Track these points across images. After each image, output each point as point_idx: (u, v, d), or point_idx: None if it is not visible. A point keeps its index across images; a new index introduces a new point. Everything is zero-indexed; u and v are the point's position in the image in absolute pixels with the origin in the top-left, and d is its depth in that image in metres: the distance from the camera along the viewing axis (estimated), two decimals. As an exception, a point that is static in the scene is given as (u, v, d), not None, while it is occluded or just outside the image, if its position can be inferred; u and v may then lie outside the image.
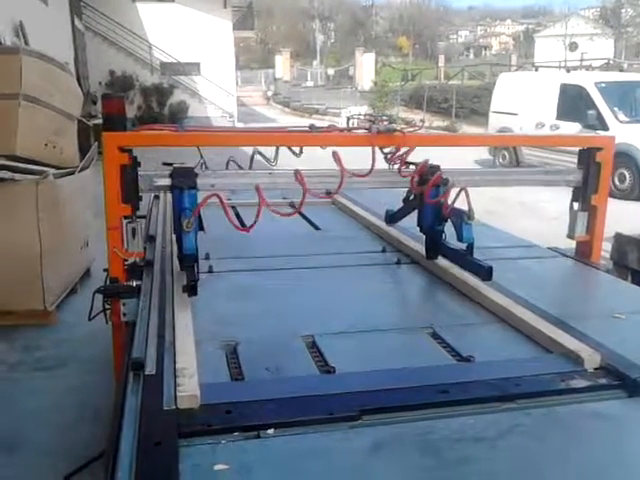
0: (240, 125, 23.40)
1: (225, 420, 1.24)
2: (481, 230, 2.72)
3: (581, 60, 26.12)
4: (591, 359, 1.55)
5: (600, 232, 2.65)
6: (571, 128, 10.89)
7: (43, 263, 4.44)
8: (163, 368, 1.43)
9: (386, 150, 2.38)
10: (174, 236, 2.33)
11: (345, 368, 1.49)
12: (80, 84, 16.32)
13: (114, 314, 2.24)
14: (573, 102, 11.06)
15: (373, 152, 2.29)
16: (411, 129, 2.46)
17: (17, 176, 4.39)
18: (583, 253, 2.69)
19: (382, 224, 3.00)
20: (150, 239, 2.82)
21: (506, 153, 12.66)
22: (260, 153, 2.41)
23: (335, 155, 2.25)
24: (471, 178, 2.64)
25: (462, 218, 2.18)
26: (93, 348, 4.06)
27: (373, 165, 2.29)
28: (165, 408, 1.27)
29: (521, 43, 66.23)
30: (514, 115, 12.37)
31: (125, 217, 2.23)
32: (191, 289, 1.91)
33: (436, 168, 2.40)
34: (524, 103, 12.19)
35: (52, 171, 4.69)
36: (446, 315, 1.94)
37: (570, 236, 2.68)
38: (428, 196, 2.34)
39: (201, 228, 2.73)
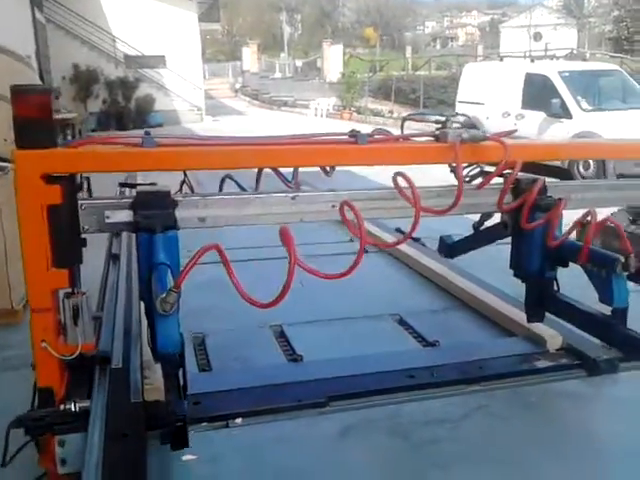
0: (208, 118, 23.21)
1: (193, 411, 1.24)
2: None
3: (545, 50, 26.47)
4: (553, 341, 1.59)
5: None
6: (536, 117, 11.05)
7: (8, 260, 4.35)
8: (129, 362, 1.42)
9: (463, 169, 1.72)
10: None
11: (313, 356, 1.51)
12: (42, 79, 16.00)
13: (46, 459, 1.40)
14: (538, 91, 11.21)
15: (459, 174, 1.63)
16: (509, 137, 1.81)
17: (-23, 172, 4.29)
18: None
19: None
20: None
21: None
22: (231, 178, 1.82)
23: (396, 179, 1.62)
24: (600, 195, 1.83)
25: (611, 266, 1.49)
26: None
27: (460, 196, 1.62)
28: (132, 400, 1.26)
29: (487, 34, 66.85)
30: (480, 105, 12.49)
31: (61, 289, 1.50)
32: (177, 436, 1.20)
33: (535, 178, 1.75)
34: (490, 93, 12.32)
35: (12, 166, 4.59)
36: (413, 302, 1.96)
37: None
38: (526, 222, 1.66)
39: None
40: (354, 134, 1.68)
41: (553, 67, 11.79)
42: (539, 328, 1.62)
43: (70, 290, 1.48)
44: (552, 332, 1.60)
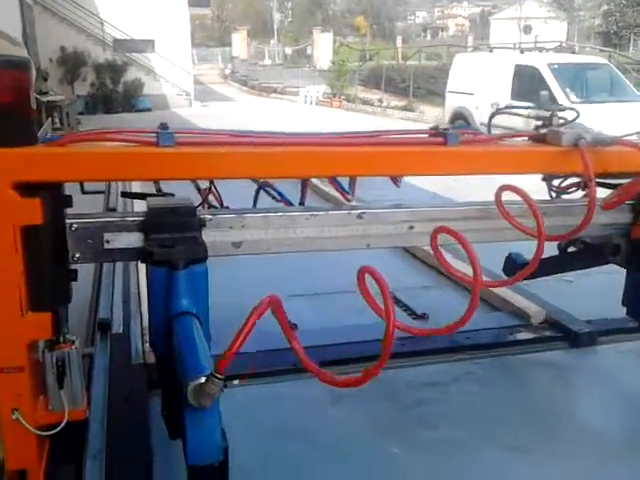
0: (197, 104, 23.08)
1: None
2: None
3: (535, 42, 26.57)
4: (537, 315, 1.65)
5: None
6: (524, 108, 11.14)
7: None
8: (130, 327, 1.47)
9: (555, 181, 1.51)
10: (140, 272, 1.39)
11: (308, 326, 1.56)
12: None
13: None
14: (527, 83, 11.29)
15: (592, 189, 1.25)
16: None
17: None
18: None
19: None
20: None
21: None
22: (270, 188, 1.45)
23: (500, 194, 1.30)
24: None
25: None
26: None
27: (590, 217, 1.27)
28: (134, 363, 1.31)
29: (477, 25, 66.86)
30: (470, 95, 12.56)
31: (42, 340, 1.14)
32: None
33: None
34: (479, 83, 12.39)
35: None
36: (406, 279, 2.02)
37: None
38: None
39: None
40: (440, 132, 1.28)
41: (542, 59, 11.87)
42: (523, 303, 1.68)
43: (54, 339, 1.11)
44: (536, 307, 1.67)
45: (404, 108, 21.83)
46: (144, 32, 21.87)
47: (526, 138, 1.45)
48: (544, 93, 10.71)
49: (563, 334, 1.58)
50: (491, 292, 1.79)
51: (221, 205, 1.49)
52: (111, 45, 22.04)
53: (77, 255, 1.14)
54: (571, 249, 1.61)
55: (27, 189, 1.03)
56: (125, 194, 1.29)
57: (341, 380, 1.10)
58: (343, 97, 24.06)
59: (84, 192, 1.49)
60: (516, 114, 1.77)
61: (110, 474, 1.08)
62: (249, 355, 1.38)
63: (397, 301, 1.80)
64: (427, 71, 25.68)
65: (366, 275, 1.20)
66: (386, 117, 20.18)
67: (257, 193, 1.47)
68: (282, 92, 28.29)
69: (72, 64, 20.67)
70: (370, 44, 45.98)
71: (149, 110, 20.42)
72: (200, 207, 1.35)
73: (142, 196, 1.30)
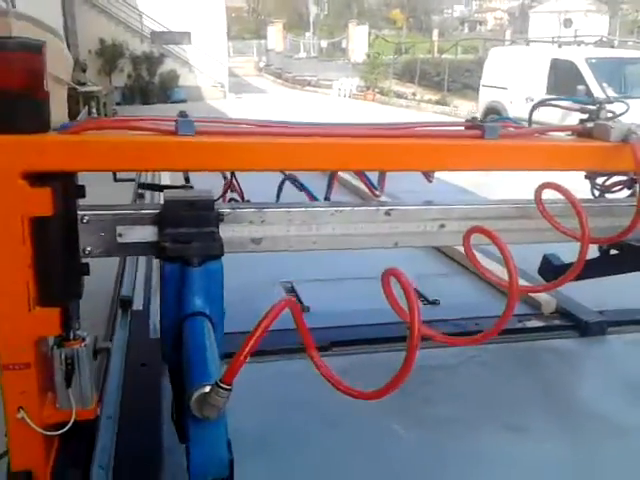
0: (231, 96, 23.28)
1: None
2: None
3: (575, 36, 26.06)
4: (547, 304, 1.67)
5: None
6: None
7: None
8: (149, 305, 1.53)
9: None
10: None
11: (320, 308, 1.61)
12: (69, 51, 16.16)
13: None
14: (563, 77, 11.10)
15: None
16: None
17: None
18: None
19: None
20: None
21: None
22: (295, 180, 1.40)
23: (541, 193, 1.24)
24: None
25: None
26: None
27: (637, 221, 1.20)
28: (152, 337, 1.38)
29: (516, 19, 65.77)
30: (504, 89, 12.42)
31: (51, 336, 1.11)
32: None
33: None
34: (514, 77, 12.23)
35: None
36: (419, 267, 2.05)
37: None
38: None
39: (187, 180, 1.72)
40: (477, 124, 1.21)
41: (580, 53, 11.66)
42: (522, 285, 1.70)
43: (63, 336, 1.08)
44: (547, 296, 1.68)
45: (438, 102, 21.66)
46: (181, 24, 22.14)
47: (570, 133, 1.36)
48: (580, 88, 10.52)
49: (573, 323, 1.60)
50: (503, 281, 1.81)
51: (242, 199, 1.46)
52: (149, 37, 22.37)
53: (89, 248, 1.11)
54: (613, 251, 1.54)
55: (37, 178, 1.00)
56: (142, 185, 1.20)
57: (359, 392, 1.03)
58: (377, 90, 23.98)
59: (116, 180, 1.51)
60: (559, 106, 1.64)
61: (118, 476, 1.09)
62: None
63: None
64: (463, 65, 25.41)
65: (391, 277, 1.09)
66: (420, 111, 20.07)
67: (281, 186, 1.43)
68: (316, 85, 28.33)
69: (110, 56, 21.05)
70: (406, 37, 45.65)
71: (184, 101, 20.68)
72: (220, 200, 1.33)
73: (159, 188, 1.23)
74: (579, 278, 1.43)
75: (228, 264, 2.00)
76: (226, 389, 0.89)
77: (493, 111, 12.78)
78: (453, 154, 1.20)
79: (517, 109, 11.99)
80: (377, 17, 62.93)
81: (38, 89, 1.00)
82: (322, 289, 1.78)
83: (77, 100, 10.98)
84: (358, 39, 35.91)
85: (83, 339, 1.10)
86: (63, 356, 1.07)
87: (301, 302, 1.65)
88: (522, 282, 1.72)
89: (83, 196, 1.12)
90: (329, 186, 1.39)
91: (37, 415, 1.06)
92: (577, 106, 1.47)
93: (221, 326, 1.13)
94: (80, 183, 1.11)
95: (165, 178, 2.58)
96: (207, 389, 0.89)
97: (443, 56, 27.66)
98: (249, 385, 1.23)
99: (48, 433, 1.07)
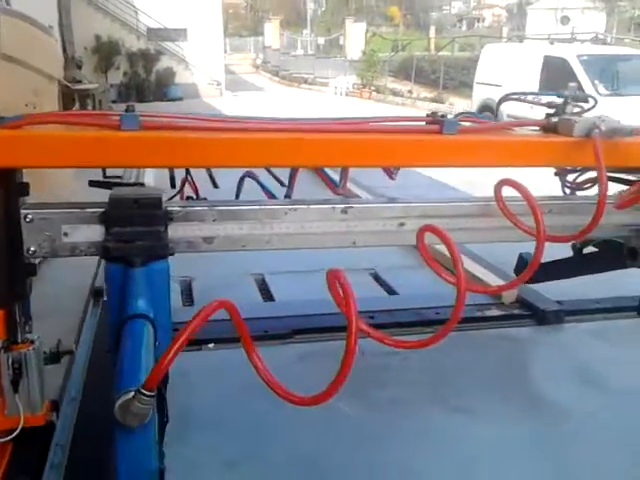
0: (228, 93, 23.29)
1: (172, 336, 1.40)
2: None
3: (572, 34, 26.10)
4: (508, 294, 1.72)
5: None
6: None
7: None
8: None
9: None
10: None
11: (286, 298, 1.66)
12: (65, 48, 16.16)
13: None
14: (555, 74, 11.15)
15: (603, 185, 1.16)
16: None
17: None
18: None
19: None
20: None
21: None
22: (253, 178, 1.39)
23: (500, 190, 1.22)
24: None
25: None
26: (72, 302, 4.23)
27: (599, 216, 1.17)
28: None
29: (514, 16, 65.72)
30: (498, 87, 12.45)
31: None
32: None
33: None
34: (508, 75, 12.27)
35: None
36: (388, 259, 2.11)
37: None
38: None
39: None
40: (437, 119, 1.17)
41: (572, 50, 11.70)
42: (497, 282, 1.75)
43: (10, 340, 1.05)
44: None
45: (434, 100, 21.68)
46: (177, 21, 22.14)
47: (536, 127, 1.34)
48: (572, 85, 10.55)
49: (531, 312, 1.65)
50: (467, 272, 1.87)
51: (197, 196, 1.40)
52: (145, 34, 22.37)
53: (33, 248, 1.05)
54: (590, 250, 1.51)
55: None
56: (93, 183, 1.26)
57: (299, 398, 1.04)
58: (373, 88, 23.99)
59: (92, 184, 1.38)
60: (526, 101, 1.64)
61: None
62: (223, 322, 1.49)
63: (378, 279, 1.88)
64: (459, 62, 25.41)
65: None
66: (415, 108, 20.09)
67: (240, 183, 1.40)
68: (312, 83, 28.35)
69: (106, 53, 21.05)
70: (403, 34, 45.63)
71: (180, 99, 20.70)
72: (173, 198, 1.29)
73: (108, 185, 1.20)
74: (554, 278, 1.52)
75: (202, 255, 2.05)
76: (149, 396, 0.84)
77: (487, 108, 12.82)
78: (408, 150, 1.15)
79: (510, 106, 12.05)
80: (375, 14, 62.89)
81: None
82: (292, 281, 1.83)
83: (72, 98, 11.00)
84: (355, 36, 35.90)
85: (32, 342, 1.06)
86: (10, 360, 1.03)
87: (270, 294, 1.70)
88: (499, 281, 1.75)
89: (27, 194, 1.07)
90: (290, 183, 1.35)
91: None
92: (544, 100, 1.46)
93: (167, 328, 1.08)
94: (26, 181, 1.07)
95: (149, 176, 2.59)
96: (130, 395, 0.84)
97: (440, 53, 27.67)
98: (215, 371, 1.29)
99: None
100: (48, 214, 1.05)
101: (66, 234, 1.05)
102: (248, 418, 1.12)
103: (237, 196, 1.37)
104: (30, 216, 1.04)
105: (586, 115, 1.38)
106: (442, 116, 1.21)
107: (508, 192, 1.19)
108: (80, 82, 13.96)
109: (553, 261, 1.51)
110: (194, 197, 1.39)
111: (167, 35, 22.55)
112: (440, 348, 1.43)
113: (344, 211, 1.17)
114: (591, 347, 1.49)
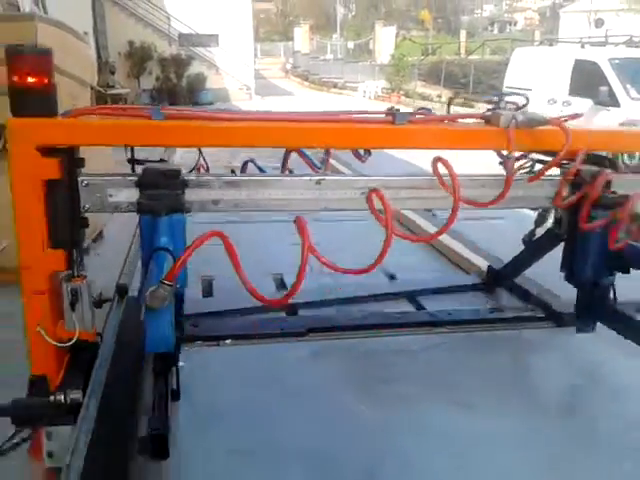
0: (257, 98, 23.49)
1: (191, 331, 1.47)
2: None
3: (606, 37, 25.67)
4: (476, 267, 1.75)
5: None
6: (583, 104, 10.86)
7: None
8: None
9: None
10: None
11: (302, 299, 1.71)
12: (99, 54, 16.54)
13: (34, 450, 1.44)
14: (586, 78, 11.00)
15: (510, 166, 1.53)
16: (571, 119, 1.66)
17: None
18: None
19: None
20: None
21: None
22: (254, 162, 1.80)
23: (436, 165, 1.54)
24: None
25: None
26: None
27: (508, 188, 1.51)
28: (142, 319, 1.49)
29: (547, 19, 64.89)
30: (527, 90, 12.34)
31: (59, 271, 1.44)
32: (159, 449, 1.12)
33: (598, 170, 1.56)
34: (537, 79, 12.15)
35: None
36: (406, 262, 2.14)
37: None
38: (585, 221, 1.47)
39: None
40: (392, 112, 1.52)
41: (603, 54, 11.53)
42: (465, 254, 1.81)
43: (69, 273, 1.43)
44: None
45: (463, 104, 21.56)
46: (209, 27, 22.41)
47: (477, 120, 1.66)
48: (603, 89, 10.43)
49: (547, 314, 1.66)
50: (477, 268, 1.90)
51: (207, 170, 1.83)
52: (176, 39, 22.70)
53: (87, 205, 1.47)
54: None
55: (48, 151, 1.36)
56: (130, 160, 1.68)
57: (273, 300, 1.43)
58: (402, 92, 23.95)
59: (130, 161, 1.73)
60: (474, 100, 2.06)
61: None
62: (242, 319, 1.55)
63: (394, 280, 1.92)
64: (490, 66, 25.20)
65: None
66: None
67: (243, 166, 1.80)
68: (342, 87, 28.41)
69: (139, 58, 21.41)
70: (434, 38, 45.43)
71: (210, 103, 20.95)
72: (191, 172, 1.67)
73: (141, 162, 1.63)
74: (517, 273, 1.87)
75: (224, 256, 2.11)
76: (169, 285, 1.28)
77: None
78: (367, 136, 1.54)
79: (539, 111, 11.91)
80: (405, 18, 62.69)
81: (48, 84, 1.35)
82: (309, 281, 1.88)
83: (105, 102, 11.27)
84: (385, 40, 35.89)
85: (85, 277, 1.46)
86: (69, 288, 1.42)
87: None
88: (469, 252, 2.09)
89: (83, 166, 1.48)
90: (283, 163, 1.74)
91: (51, 331, 1.42)
92: (485, 98, 2.19)
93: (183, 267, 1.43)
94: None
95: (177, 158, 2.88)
96: (156, 286, 1.28)
97: (470, 57, 27.49)
98: (232, 364, 1.34)
99: (59, 345, 1.42)
100: (99, 180, 1.47)
101: (111, 195, 1.48)
102: (261, 410, 1.17)
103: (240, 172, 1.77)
104: (85, 182, 1.45)
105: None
106: (396, 110, 1.57)
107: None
108: (113, 87, 14.29)
109: (515, 258, 1.87)
110: (206, 171, 1.82)
111: (198, 40, 22.84)
112: (449, 347, 1.47)
113: (318, 182, 1.56)
114: (605, 351, 1.50)
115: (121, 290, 1.68)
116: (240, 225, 2.52)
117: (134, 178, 1.47)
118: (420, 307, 1.74)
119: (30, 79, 1.30)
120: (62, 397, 1.35)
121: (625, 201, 1.42)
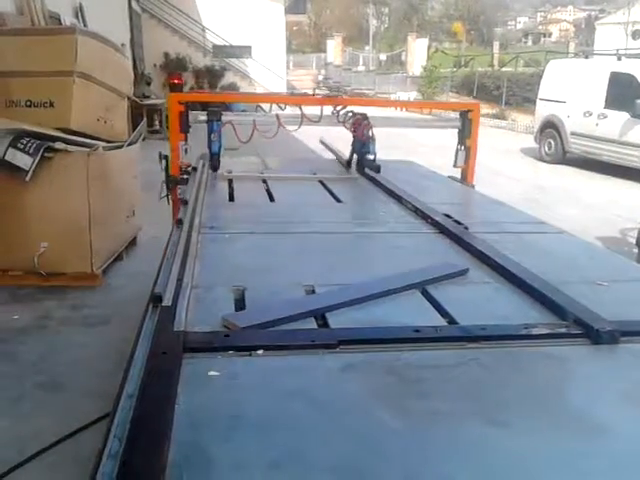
0: (289, 109, 23.65)
1: (223, 342, 1.47)
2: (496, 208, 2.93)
3: (642, 49, 25.23)
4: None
5: (472, 163, 4.23)
6: (619, 117, 10.69)
7: (91, 229, 4.79)
8: (177, 301, 1.67)
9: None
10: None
11: (337, 311, 1.70)
12: (135, 65, 16.87)
13: (173, 195, 3.77)
14: (623, 91, 10.82)
15: (321, 109, 4.17)
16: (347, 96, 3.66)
17: (70, 148, 4.74)
18: (463, 176, 4.25)
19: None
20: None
21: (552, 142, 12.56)
22: (260, 107, 4.62)
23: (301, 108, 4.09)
24: (386, 122, 4.55)
25: (369, 140, 3.82)
26: (134, 308, 4.38)
27: (321, 115, 4.16)
28: (175, 330, 1.50)
29: (582, 30, 64.19)
30: (562, 103, 12.20)
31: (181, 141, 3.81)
32: (214, 168, 3.71)
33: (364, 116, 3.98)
34: (572, 91, 12.01)
35: (102, 144, 5.03)
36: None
37: (455, 165, 4.24)
38: (355, 132, 3.96)
39: (231, 199, 3.22)
40: (291, 93, 3.36)
41: (641, 66, 11.35)
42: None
43: (184, 142, 3.80)
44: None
45: (495, 116, 21.41)
46: (242, 38, 22.76)
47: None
48: (639, 102, 10.25)
49: (585, 331, 1.62)
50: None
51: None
52: (211, 51, 23.08)
53: (191, 121, 3.89)
54: None
55: (180, 103, 3.77)
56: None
57: None
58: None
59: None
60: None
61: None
62: (273, 330, 1.55)
63: (431, 299, 1.90)
64: (523, 78, 25.02)
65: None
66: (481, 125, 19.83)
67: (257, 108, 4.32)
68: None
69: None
70: (467, 50, 45.30)
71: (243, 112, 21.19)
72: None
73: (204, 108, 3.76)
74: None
75: (257, 267, 2.12)
76: (216, 134, 3.80)
77: (549, 125, 12.58)
78: (283, 99, 4.72)
79: (575, 123, 11.78)
80: (438, 30, 62.71)
81: (180, 82, 5.45)
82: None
83: (141, 112, 11.49)
84: (417, 52, 35.91)
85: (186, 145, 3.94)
86: (184, 147, 3.88)
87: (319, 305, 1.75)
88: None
89: (192, 109, 3.88)
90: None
91: (175, 161, 3.85)
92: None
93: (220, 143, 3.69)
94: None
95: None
96: (213, 134, 3.79)
97: (503, 69, 27.31)
98: (262, 377, 1.34)
99: (182, 165, 3.80)
100: (194, 113, 3.96)
101: (198, 118, 3.89)
102: (291, 422, 1.17)
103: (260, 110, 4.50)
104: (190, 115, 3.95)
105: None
106: (292, 91, 4.09)
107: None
108: (149, 97, 14.55)
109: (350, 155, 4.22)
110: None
111: (232, 52, 23.20)
112: (483, 363, 1.45)
113: (265, 115, 3.94)
114: (643, 370, 1.46)
115: (155, 300, 1.70)
116: (275, 236, 2.54)
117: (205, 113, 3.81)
118: (453, 321, 1.72)
119: (176, 82, 4.17)
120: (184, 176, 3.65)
121: (364, 124, 4.01)
